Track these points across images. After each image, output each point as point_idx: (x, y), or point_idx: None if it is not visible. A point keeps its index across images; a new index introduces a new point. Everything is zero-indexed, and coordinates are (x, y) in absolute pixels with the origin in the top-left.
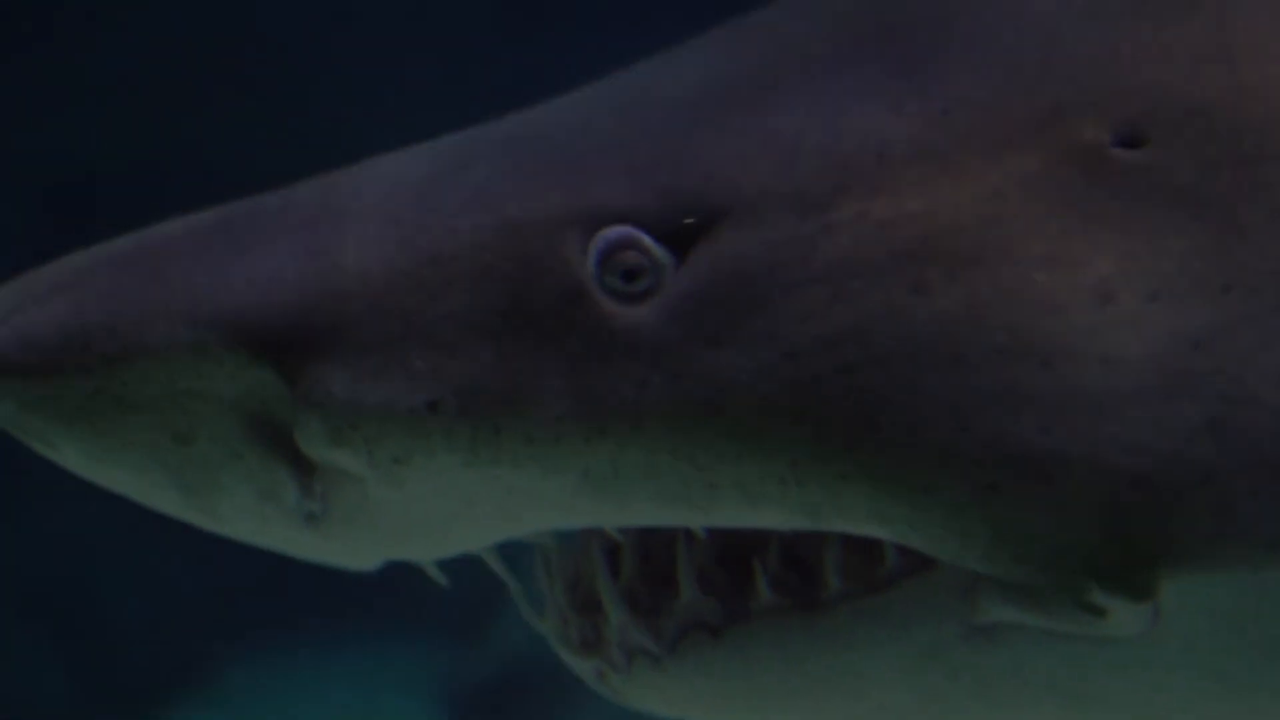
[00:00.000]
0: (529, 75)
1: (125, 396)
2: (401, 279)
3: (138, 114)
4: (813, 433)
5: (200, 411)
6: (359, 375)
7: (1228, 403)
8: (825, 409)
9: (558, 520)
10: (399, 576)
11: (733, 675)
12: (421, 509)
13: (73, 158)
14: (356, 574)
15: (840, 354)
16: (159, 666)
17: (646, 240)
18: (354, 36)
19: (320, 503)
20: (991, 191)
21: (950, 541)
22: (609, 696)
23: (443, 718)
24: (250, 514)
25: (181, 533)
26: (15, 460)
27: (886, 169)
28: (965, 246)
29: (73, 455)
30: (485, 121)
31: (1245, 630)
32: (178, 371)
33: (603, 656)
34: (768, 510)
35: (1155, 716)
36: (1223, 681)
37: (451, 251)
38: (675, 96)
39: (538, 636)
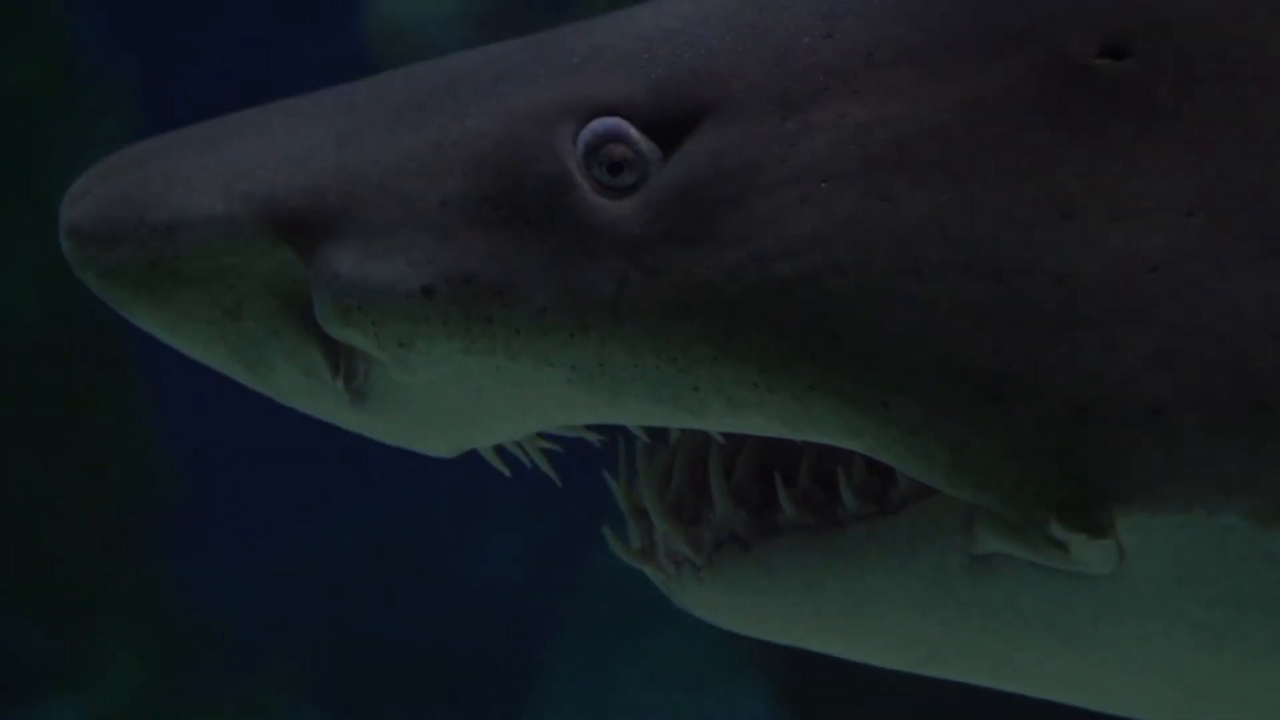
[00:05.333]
0: None
1: (178, 270)
2: (408, 163)
3: None
4: (777, 340)
5: (244, 288)
6: (364, 257)
7: (1180, 332)
8: (788, 317)
9: (565, 414)
10: None
11: (760, 591)
12: (439, 395)
13: None
14: None
15: (804, 260)
16: None
17: (634, 133)
18: None
19: (357, 381)
20: (971, 98)
21: (914, 460)
22: (674, 600)
23: None
24: (301, 390)
25: None
26: None
27: (873, 72)
28: (936, 154)
29: (148, 326)
30: None
31: (1215, 580)
32: (217, 246)
33: (653, 563)
34: (749, 417)
35: (1151, 664)
36: (1203, 633)
37: (455, 137)
38: (689, 4)
39: None
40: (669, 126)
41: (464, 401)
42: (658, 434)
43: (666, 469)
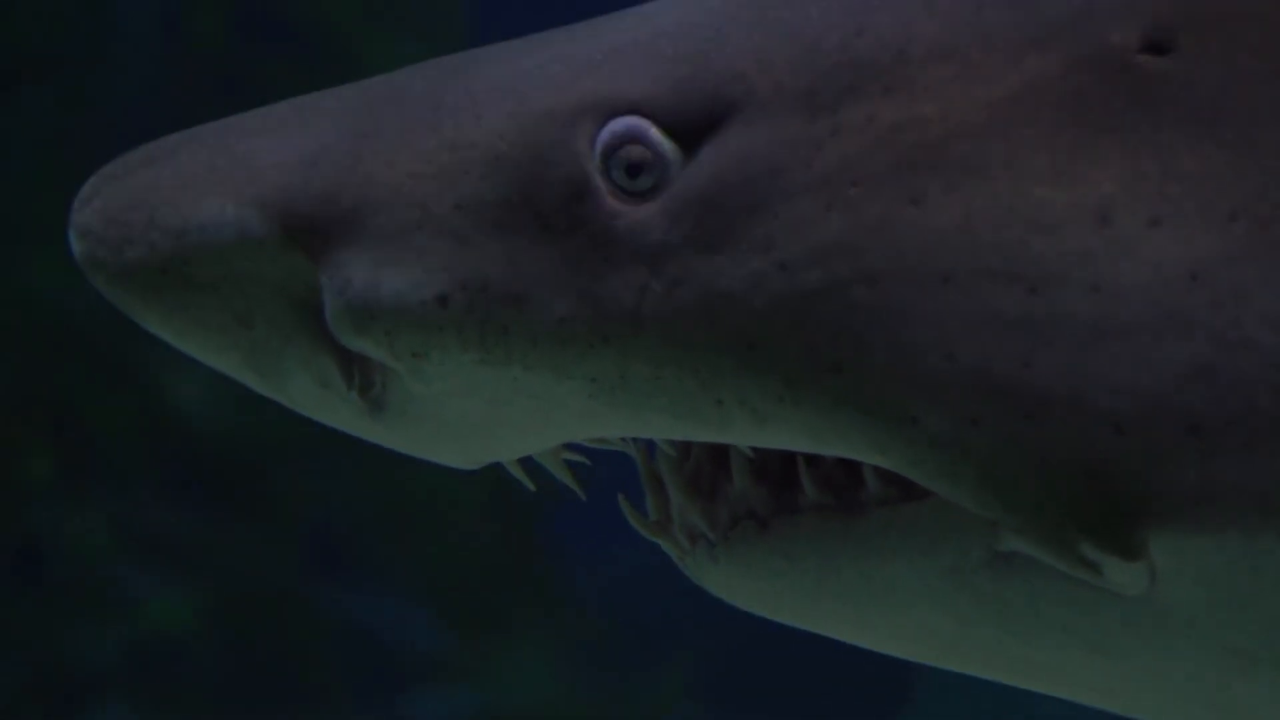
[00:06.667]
0: None
1: (189, 274)
2: (423, 165)
3: None
4: (803, 351)
5: (256, 294)
6: (377, 263)
7: (1222, 345)
8: (814, 327)
9: (585, 428)
10: None
11: (775, 573)
12: (456, 407)
13: None
14: None
15: (831, 268)
16: None
17: (653, 134)
18: None
19: (374, 392)
20: (1005, 96)
21: (941, 478)
22: (690, 576)
23: None
24: (315, 399)
25: None
26: None
27: (904, 69)
28: (968, 156)
29: (160, 331)
30: None
31: (1250, 605)
32: (228, 251)
33: (668, 537)
34: (775, 430)
35: (1178, 680)
36: (1235, 655)
37: (471, 138)
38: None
39: None
40: (691, 127)
41: (483, 414)
42: None
43: (686, 441)
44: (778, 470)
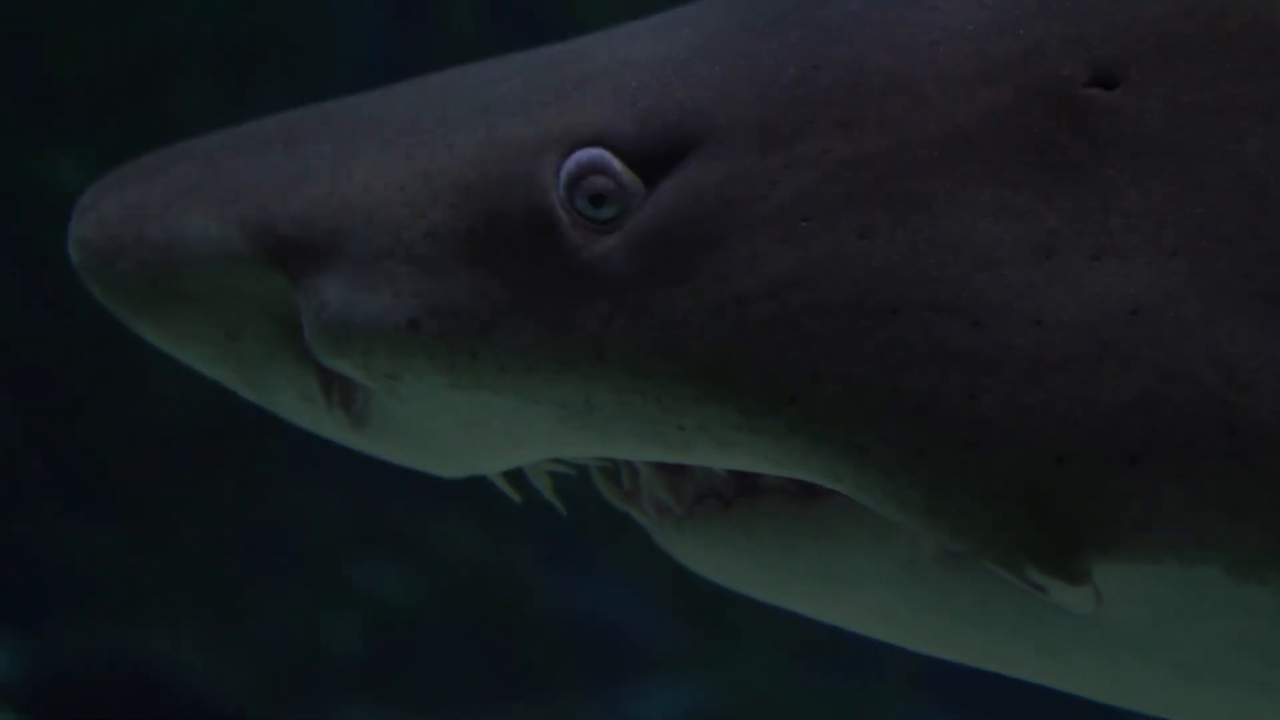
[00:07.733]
0: None
1: (178, 289)
2: (396, 192)
3: None
4: (758, 382)
5: (243, 310)
6: (352, 287)
7: (1162, 377)
8: (768, 359)
9: (556, 449)
10: None
11: (737, 550)
12: (433, 425)
13: None
14: None
15: (784, 301)
16: None
17: (616, 165)
18: None
19: (356, 407)
20: (955, 131)
21: (891, 504)
22: (661, 545)
23: None
24: (302, 412)
25: None
26: None
27: (858, 103)
28: (917, 190)
29: (155, 340)
30: None
31: (1192, 628)
32: (212, 267)
33: (638, 508)
34: (736, 455)
35: (1126, 684)
36: (1180, 669)
37: (442, 167)
38: (689, 28)
39: None
40: (653, 159)
41: (459, 432)
42: None
43: None
44: None
